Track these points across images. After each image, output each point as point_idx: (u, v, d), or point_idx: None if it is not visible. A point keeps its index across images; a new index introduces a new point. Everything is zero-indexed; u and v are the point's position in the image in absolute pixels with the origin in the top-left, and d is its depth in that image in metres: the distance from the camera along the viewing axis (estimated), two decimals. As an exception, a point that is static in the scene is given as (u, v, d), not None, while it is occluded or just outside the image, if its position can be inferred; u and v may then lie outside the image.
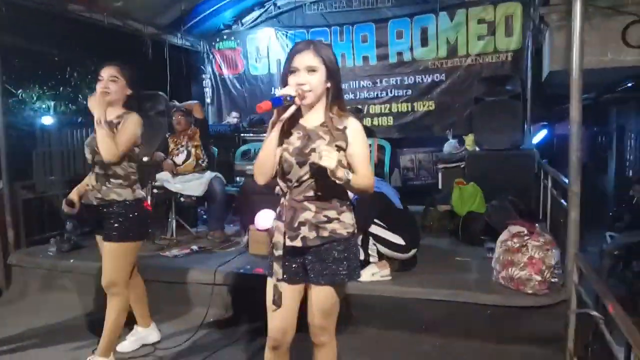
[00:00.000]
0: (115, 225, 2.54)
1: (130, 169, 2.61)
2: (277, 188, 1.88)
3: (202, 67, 7.40)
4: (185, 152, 4.65)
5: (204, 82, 7.45)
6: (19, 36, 4.78)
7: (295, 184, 1.79)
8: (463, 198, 4.40)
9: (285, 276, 1.82)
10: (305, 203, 1.78)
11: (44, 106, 5.26)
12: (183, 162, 4.62)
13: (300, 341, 1.94)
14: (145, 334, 2.98)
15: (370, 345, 2.96)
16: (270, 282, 1.85)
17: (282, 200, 1.84)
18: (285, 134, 1.79)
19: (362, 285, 3.17)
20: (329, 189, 1.77)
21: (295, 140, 1.79)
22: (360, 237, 3.26)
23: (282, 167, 1.80)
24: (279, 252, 1.80)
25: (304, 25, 6.82)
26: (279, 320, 1.86)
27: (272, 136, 1.75)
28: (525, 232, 3.08)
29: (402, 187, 5.93)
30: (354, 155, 1.78)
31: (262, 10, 7.01)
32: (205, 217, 5.15)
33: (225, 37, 7.22)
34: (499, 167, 4.73)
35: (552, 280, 2.90)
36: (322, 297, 1.82)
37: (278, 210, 1.86)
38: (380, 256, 3.30)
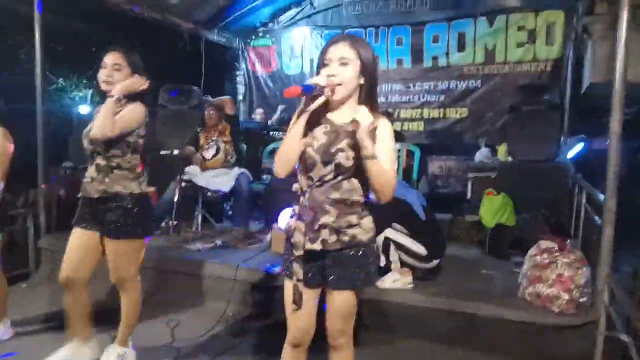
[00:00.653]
0: (122, 220, 2.37)
1: (135, 161, 2.43)
2: (296, 185, 1.82)
3: (236, 63, 7.47)
4: (215, 147, 4.69)
5: (237, 78, 7.52)
6: (61, 27, 4.92)
7: (317, 183, 1.73)
8: (492, 209, 4.28)
9: (304, 278, 1.79)
10: (327, 206, 1.72)
11: (81, 94, 5.41)
12: (212, 157, 4.66)
13: (317, 340, 1.91)
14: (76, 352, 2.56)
15: (387, 354, 2.92)
16: (288, 283, 1.83)
17: (302, 199, 1.78)
18: (310, 127, 1.73)
19: (382, 292, 3.13)
20: (352, 191, 1.72)
21: (320, 135, 1.74)
22: (382, 243, 3.22)
23: (305, 164, 1.74)
24: (299, 253, 1.76)
25: (339, 26, 6.79)
26: (300, 321, 1.84)
27: (297, 126, 1.69)
28: (556, 248, 2.98)
29: (430, 194, 5.82)
30: (378, 154, 1.69)
31: (299, 9, 7.02)
32: (230, 212, 5.18)
33: (260, 34, 7.27)
34: (531, 179, 4.58)
35: (581, 300, 2.80)
36: (341, 301, 1.79)
37: (297, 209, 1.80)
38: (403, 263, 3.25)
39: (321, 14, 6.93)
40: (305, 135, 1.73)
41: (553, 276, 2.83)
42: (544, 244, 3.05)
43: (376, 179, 1.66)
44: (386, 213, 3.26)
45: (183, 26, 5.98)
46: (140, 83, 2.40)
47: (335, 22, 6.85)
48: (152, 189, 5.29)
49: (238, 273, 3.51)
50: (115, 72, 2.34)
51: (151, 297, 3.69)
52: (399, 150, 5.13)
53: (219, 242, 4.25)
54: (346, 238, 1.73)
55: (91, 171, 2.41)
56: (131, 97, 2.38)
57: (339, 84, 1.68)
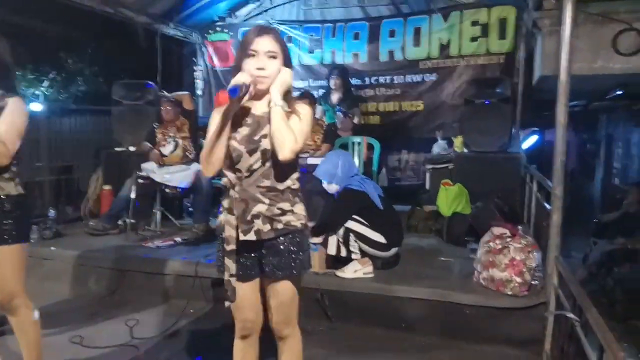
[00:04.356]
0: (7, 224, 2.09)
1: (12, 159, 2.08)
2: (225, 180, 1.81)
3: (194, 58, 7.34)
4: (173, 143, 4.61)
5: (195, 73, 7.39)
6: (11, 20, 4.71)
7: (246, 174, 1.74)
8: (448, 199, 4.40)
9: (240, 273, 1.78)
10: (258, 195, 1.73)
11: (35, 91, 5.18)
12: (170, 153, 4.58)
13: (270, 331, 1.92)
14: None
15: (348, 342, 2.96)
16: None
17: (231, 192, 1.77)
18: (233, 124, 1.75)
19: (343, 282, 3.18)
20: (282, 177, 1.74)
21: (243, 128, 1.76)
22: (342, 234, 3.27)
23: (231, 157, 1.75)
24: (231, 247, 1.74)
25: (297, 21, 6.78)
26: (245, 312, 1.86)
27: (225, 127, 1.70)
28: (508, 234, 3.10)
29: (389, 187, 5.93)
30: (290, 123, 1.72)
31: (257, 3, 6.97)
32: (190, 209, 5.11)
33: (218, 29, 7.16)
34: (485, 170, 4.73)
35: (533, 282, 2.92)
36: (280, 291, 1.80)
37: (226, 204, 1.78)
38: (363, 253, 3.30)
39: (279, 9, 6.91)
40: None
41: (505, 261, 2.94)
42: (497, 230, 3.16)
43: (276, 128, 1.66)
44: (346, 205, 3.31)
45: (137, 20, 5.82)
46: None
47: (293, 17, 6.85)
48: (107, 187, 5.15)
49: (199, 269, 3.47)
50: None
51: (109, 297, 3.63)
52: (359, 144, 5.19)
53: (178, 239, 4.19)
54: (280, 225, 1.75)
55: None
56: (7, 89, 2.05)
57: (267, 77, 1.71)
